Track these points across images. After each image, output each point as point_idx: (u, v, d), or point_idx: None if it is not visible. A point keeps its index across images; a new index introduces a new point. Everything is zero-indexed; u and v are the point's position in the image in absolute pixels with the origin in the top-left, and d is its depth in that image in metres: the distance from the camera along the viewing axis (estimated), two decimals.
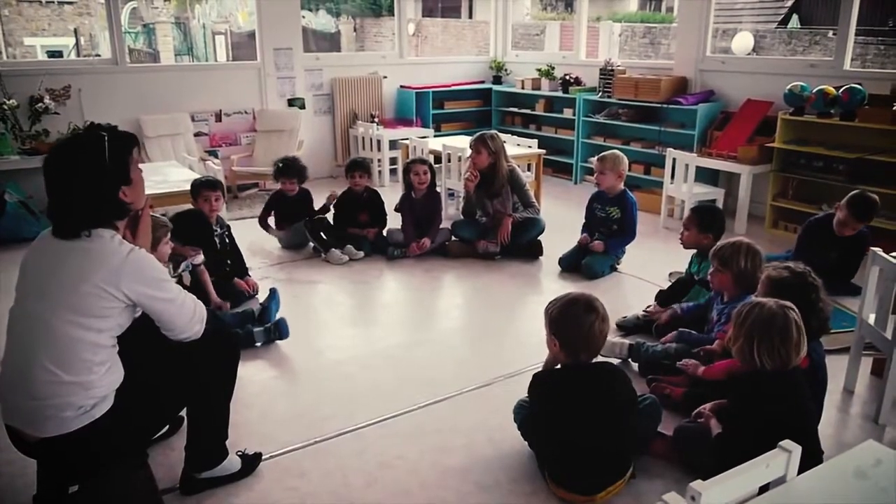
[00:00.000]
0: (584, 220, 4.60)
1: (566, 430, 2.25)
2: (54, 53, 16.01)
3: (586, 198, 4.66)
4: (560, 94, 7.20)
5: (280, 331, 3.38)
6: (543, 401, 2.32)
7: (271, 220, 4.96)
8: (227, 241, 4.03)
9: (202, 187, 3.90)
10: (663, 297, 3.56)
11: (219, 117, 6.65)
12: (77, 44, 16.93)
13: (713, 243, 3.42)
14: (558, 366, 2.36)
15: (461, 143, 5.64)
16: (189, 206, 3.98)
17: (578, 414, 2.23)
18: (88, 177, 1.89)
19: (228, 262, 4.01)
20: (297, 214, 4.86)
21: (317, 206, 4.94)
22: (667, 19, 15.50)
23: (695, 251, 3.64)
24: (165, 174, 4.59)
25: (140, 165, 2.06)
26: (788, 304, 2.14)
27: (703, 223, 3.54)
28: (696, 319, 3.18)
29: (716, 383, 2.55)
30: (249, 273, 4.13)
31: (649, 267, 4.43)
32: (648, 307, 3.58)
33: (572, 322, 2.24)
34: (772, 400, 2.10)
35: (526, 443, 2.49)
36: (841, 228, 3.82)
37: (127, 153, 1.97)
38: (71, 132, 5.38)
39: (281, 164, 4.87)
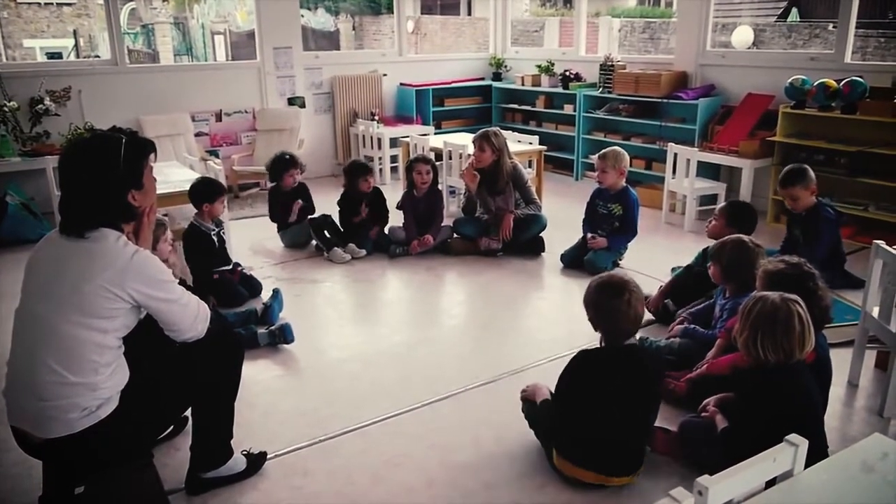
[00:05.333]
0: (584, 216, 4.59)
1: (600, 411, 2.23)
2: (54, 55, 16.02)
3: (587, 194, 4.65)
4: (560, 90, 7.18)
5: (285, 335, 3.37)
6: (582, 378, 2.30)
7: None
8: (222, 237, 4.07)
9: (220, 192, 3.97)
10: (674, 296, 3.56)
11: (219, 117, 6.65)
12: (76, 45, 16.95)
13: None
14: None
15: (462, 140, 5.63)
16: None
17: (616, 397, 2.23)
18: (100, 176, 1.91)
19: (230, 263, 4.04)
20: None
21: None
22: (666, 14, 15.47)
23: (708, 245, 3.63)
24: (166, 174, 4.58)
25: None
26: (794, 297, 2.13)
27: (732, 217, 3.54)
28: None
29: (721, 378, 2.55)
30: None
31: (651, 262, 4.42)
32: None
33: (600, 305, 2.29)
34: (776, 394, 2.10)
35: (532, 438, 2.50)
36: (790, 204, 3.88)
37: (143, 158, 2.00)
38: (80, 132, 5.38)
39: (287, 157, 4.87)
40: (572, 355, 2.34)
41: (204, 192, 3.92)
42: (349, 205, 4.84)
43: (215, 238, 3.98)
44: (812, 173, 3.84)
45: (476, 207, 4.83)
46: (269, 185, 5.11)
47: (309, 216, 4.85)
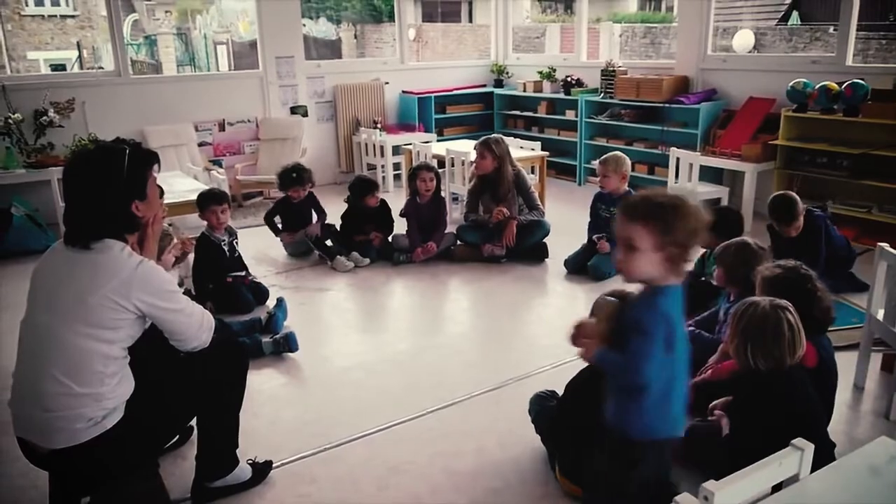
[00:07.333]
0: (588, 221, 4.59)
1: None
2: (57, 67, 16.13)
3: (590, 199, 4.65)
4: (562, 95, 7.20)
5: (289, 344, 3.38)
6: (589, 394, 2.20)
7: (277, 220, 4.99)
8: (235, 246, 4.10)
9: (210, 201, 3.96)
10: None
11: (222, 126, 6.67)
12: (80, 57, 17.05)
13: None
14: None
15: (465, 147, 5.64)
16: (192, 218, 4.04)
17: None
18: (104, 187, 1.92)
19: (245, 271, 4.11)
20: (303, 220, 4.88)
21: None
22: (667, 19, 15.51)
23: (705, 251, 3.61)
24: (170, 184, 4.60)
25: None
26: (783, 303, 2.12)
27: (713, 225, 3.48)
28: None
29: (723, 383, 2.54)
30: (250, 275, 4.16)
31: None
32: None
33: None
34: (772, 399, 2.08)
35: (537, 445, 2.49)
36: (794, 233, 3.71)
37: (146, 169, 2.01)
38: (84, 144, 5.41)
39: (294, 175, 4.81)
40: (579, 361, 2.31)
41: (197, 202, 4.00)
42: (353, 221, 4.85)
43: (226, 248, 4.01)
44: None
45: (477, 215, 4.82)
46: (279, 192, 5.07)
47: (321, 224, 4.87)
